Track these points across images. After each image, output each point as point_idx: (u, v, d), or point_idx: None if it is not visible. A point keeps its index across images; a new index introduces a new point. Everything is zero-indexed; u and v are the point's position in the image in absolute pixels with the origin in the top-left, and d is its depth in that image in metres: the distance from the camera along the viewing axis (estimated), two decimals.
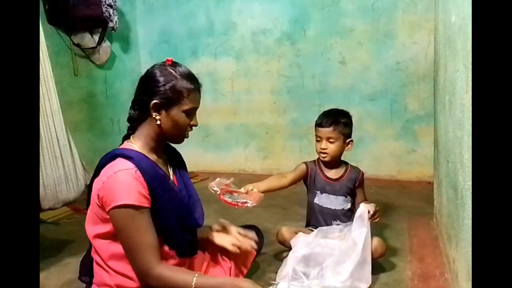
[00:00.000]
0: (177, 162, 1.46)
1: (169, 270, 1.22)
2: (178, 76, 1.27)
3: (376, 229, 2.18)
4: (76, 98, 3.32)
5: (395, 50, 3.20)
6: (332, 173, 1.88)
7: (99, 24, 3.25)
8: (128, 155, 1.22)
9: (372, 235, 1.76)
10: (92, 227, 1.27)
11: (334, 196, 1.85)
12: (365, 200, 1.88)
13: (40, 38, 1.78)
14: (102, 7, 3.16)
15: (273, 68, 3.62)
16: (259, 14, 3.59)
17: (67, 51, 3.20)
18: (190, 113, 1.31)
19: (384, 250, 1.72)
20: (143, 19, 3.97)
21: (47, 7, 2.96)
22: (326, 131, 1.81)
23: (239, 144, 3.84)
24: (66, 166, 1.95)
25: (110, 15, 3.23)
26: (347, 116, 1.88)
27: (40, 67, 1.81)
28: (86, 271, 1.40)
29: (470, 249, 1.00)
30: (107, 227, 1.23)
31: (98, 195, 1.20)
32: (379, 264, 1.76)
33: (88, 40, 3.28)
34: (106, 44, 3.45)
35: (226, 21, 3.71)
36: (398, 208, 2.56)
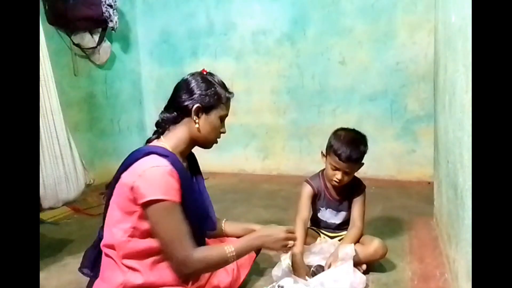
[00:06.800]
0: (195, 168, 1.54)
1: (203, 251, 1.30)
2: (217, 84, 1.40)
3: (376, 229, 2.18)
4: (76, 98, 3.32)
5: (395, 50, 3.20)
6: (338, 192, 1.84)
7: (99, 24, 3.26)
8: (162, 154, 1.28)
9: (373, 236, 1.77)
10: (115, 224, 1.28)
11: (336, 212, 1.85)
12: (362, 213, 1.80)
13: (40, 38, 1.78)
14: (102, 7, 3.16)
15: (273, 69, 3.62)
16: (259, 14, 3.60)
17: (67, 51, 3.20)
18: (223, 120, 1.44)
19: (385, 251, 1.71)
20: (143, 19, 3.98)
21: (47, 7, 2.96)
22: (346, 165, 1.71)
23: (239, 144, 3.84)
24: (66, 166, 1.95)
25: (110, 15, 3.23)
26: (365, 141, 1.78)
27: (40, 67, 1.81)
28: (89, 264, 1.40)
29: (470, 249, 1.00)
30: (129, 222, 1.25)
31: (132, 187, 1.22)
32: (379, 264, 1.76)
33: (88, 40, 3.28)
34: (106, 44, 3.45)
35: (226, 22, 3.71)
36: (398, 208, 2.56)
